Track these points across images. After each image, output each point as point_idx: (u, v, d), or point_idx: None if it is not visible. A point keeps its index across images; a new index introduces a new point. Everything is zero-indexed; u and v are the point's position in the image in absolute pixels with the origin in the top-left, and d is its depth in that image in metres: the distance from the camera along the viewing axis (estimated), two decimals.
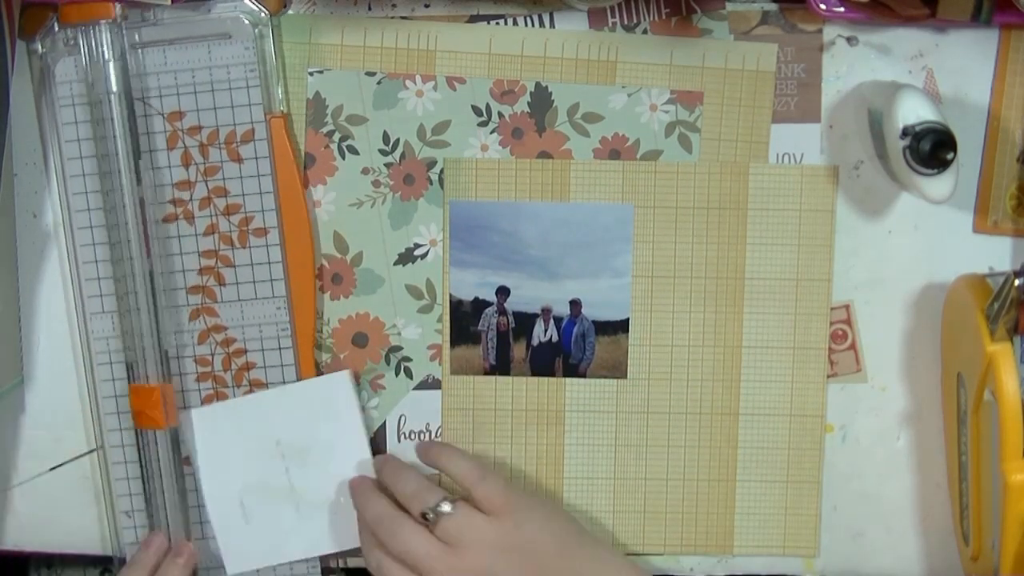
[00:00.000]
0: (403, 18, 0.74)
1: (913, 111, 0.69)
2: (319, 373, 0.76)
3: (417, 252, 0.76)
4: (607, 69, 0.75)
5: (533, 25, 0.74)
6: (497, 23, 0.74)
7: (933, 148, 0.68)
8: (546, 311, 0.75)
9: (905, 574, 0.77)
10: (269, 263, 0.74)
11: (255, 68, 0.73)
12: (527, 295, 0.75)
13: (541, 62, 0.75)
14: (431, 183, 0.75)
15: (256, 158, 0.74)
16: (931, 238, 0.76)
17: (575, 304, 0.75)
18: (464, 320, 0.76)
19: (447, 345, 0.76)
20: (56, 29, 0.73)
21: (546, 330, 0.75)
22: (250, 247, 0.74)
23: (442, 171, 0.75)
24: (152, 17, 0.73)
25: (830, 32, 0.74)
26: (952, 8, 0.69)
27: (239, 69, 0.73)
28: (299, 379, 0.75)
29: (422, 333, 0.76)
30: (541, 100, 0.75)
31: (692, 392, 0.76)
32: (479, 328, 0.75)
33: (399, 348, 0.76)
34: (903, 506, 0.77)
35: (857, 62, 0.75)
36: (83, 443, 0.78)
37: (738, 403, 0.76)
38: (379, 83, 0.75)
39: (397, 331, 0.76)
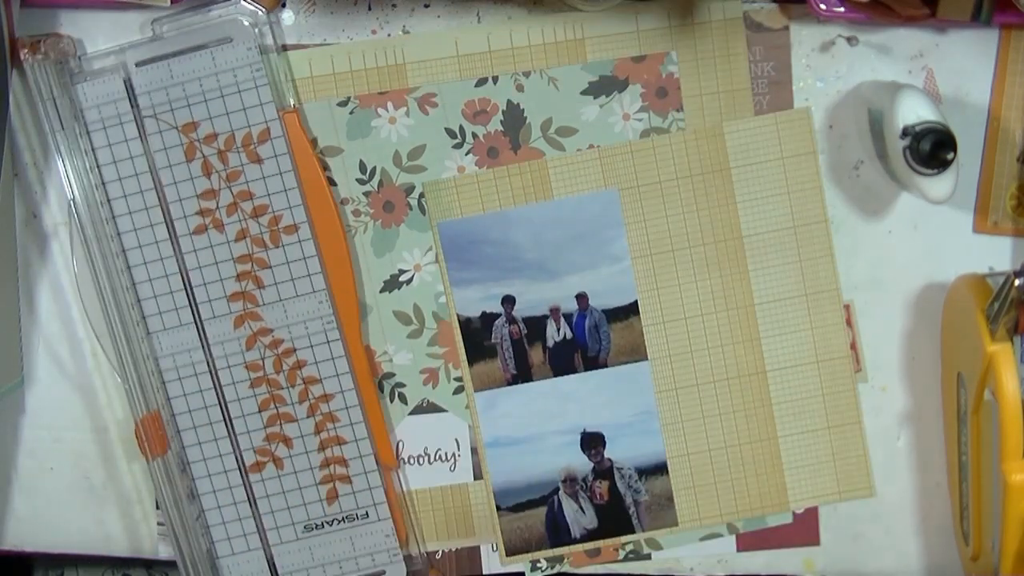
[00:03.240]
0: (372, 32, 0.74)
1: (913, 111, 0.69)
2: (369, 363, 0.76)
3: (402, 278, 0.76)
4: (576, 48, 0.75)
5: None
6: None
7: (933, 148, 0.68)
8: (555, 311, 0.75)
9: (905, 574, 0.77)
10: (304, 258, 0.74)
11: (261, 67, 0.73)
12: (533, 299, 0.75)
13: (510, 53, 0.75)
14: (411, 208, 0.75)
15: (275, 156, 0.74)
16: (931, 238, 0.76)
17: (582, 298, 0.75)
18: (476, 336, 0.76)
19: (465, 366, 0.76)
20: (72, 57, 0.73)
21: (559, 329, 0.75)
22: (283, 245, 0.74)
23: (422, 195, 0.75)
24: (152, 33, 0.73)
25: (830, 32, 0.75)
26: (952, 8, 0.69)
27: (245, 71, 0.73)
28: (351, 370, 0.75)
29: (413, 358, 0.76)
30: (514, 117, 0.75)
31: (715, 359, 0.76)
32: (492, 341, 0.76)
33: (392, 375, 0.76)
34: (903, 506, 0.77)
35: (857, 62, 0.75)
36: (83, 443, 0.78)
37: (763, 361, 0.75)
38: (351, 113, 0.75)
39: (388, 358, 0.76)
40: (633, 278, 0.75)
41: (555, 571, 0.77)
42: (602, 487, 0.76)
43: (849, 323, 0.76)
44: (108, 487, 0.78)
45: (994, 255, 0.75)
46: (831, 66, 0.75)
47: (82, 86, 0.73)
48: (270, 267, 0.74)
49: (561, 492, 0.76)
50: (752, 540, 0.77)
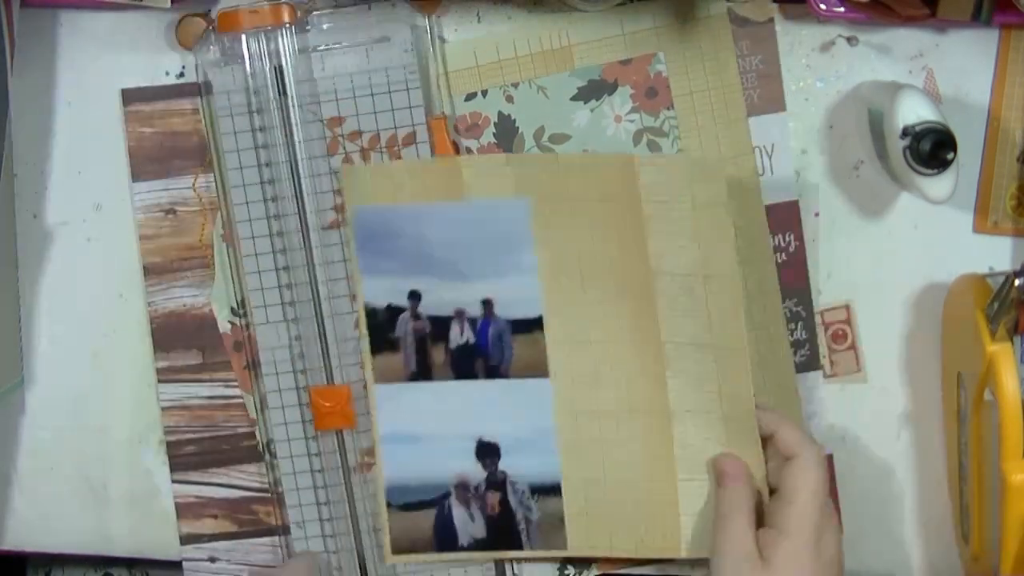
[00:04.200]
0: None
1: (913, 111, 0.69)
2: None
3: None
4: (564, 55, 0.75)
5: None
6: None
7: (933, 148, 0.68)
8: (460, 313, 0.74)
9: (905, 574, 0.77)
10: None
11: (415, 70, 0.73)
12: (440, 298, 0.74)
13: (498, 67, 0.75)
14: None
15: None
16: (931, 238, 0.76)
17: (487, 304, 0.74)
18: (381, 328, 0.75)
19: (367, 354, 0.75)
20: (212, 39, 0.73)
21: (462, 332, 0.74)
22: None
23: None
24: (309, 24, 0.73)
25: (830, 32, 0.75)
26: (952, 8, 0.69)
27: (398, 72, 0.73)
28: None
29: None
30: (506, 128, 0.75)
31: (619, 392, 0.73)
32: (397, 335, 0.75)
33: None
34: (903, 506, 0.77)
35: (857, 62, 0.75)
36: (83, 443, 0.78)
37: (667, 401, 0.72)
38: None
39: None
40: (540, 292, 0.74)
41: None
42: (494, 498, 0.75)
43: (849, 323, 0.76)
44: (108, 487, 0.78)
45: (994, 255, 0.75)
46: (831, 66, 0.75)
47: (231, 68, 0.73)
48: None
49: (453, 497, 0.75)
50: None
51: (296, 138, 0.73)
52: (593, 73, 0.75)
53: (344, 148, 0.73)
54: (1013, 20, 0.70)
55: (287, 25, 0.72)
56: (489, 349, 0.74)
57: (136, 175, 0.76)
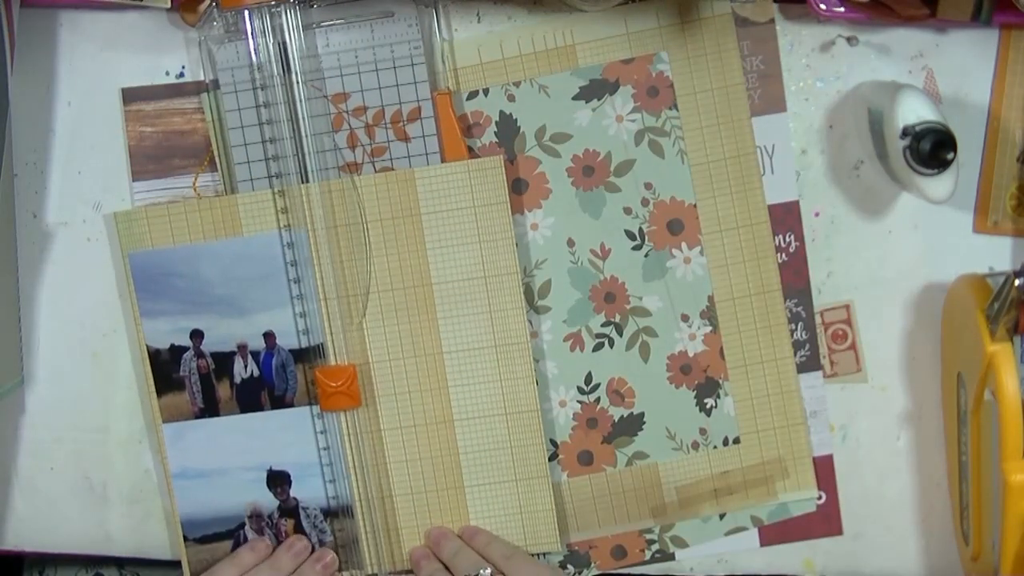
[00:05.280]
0: None
1: (913, 111, 0.69)
2: None
3: None
4: (567, 54, 0.75)
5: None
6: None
7: (933, 148, 0.68)
8: (242, 347, 0.75)
9: (905, 574, 0.77)
10: None
11: (419, 45, 0.72)
12: (222, 334, 0.75)
13: (501, 65, 0.75)
14: None
15: (423, 136, 0.73)
16: (931, 238, 0.76)
17: (269, 336, 0.75)
18: (165, 368, 0.75)
19: (153, 397, 0.75)
20: (216, 15, 0.73)
21: (246, 366, 0.75)
22: None
23: None
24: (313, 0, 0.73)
25: (830, 32, 0.75)
26: (952, 8, 0.69)
27: (403, 47, 0.73)
28: None
29: None
30: (507, 127, 0.75)
31: (403, 406, 0.75)
32: (181, 374, 0.75)
33: None
34: (903, 506, 0.77)
35: (857, 62, 0.75)
36: (83, 443, 0.78)
37: (451, 410, 0.75)
38: None
39: None
40: (321, 319, 0.74)
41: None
42: (287, 525, 0.76)
43: (849, 323, 0.76)
44: (108, 487, 0.78)
45: (994, 255, 0.75)
46: (831, 66, 0.75)
47: (235, 44, 0.73)
48: None
49: (247, 527, 0.76)
50: (775, 533, 0.77)
51: (300, 114, 0.73)
52: (594, 72, 0.75)
53: (349, 124, 0.74)
54: (1013, 20, 0.70)
55: (290, 0, 0.72)
56: (274, 380, 0.75)
57: (136, 174, 0.76)
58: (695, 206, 0.75)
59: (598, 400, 0.77)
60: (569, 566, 0.77)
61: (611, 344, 0.76)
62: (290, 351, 0.74)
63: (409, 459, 0.75)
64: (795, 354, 0.76)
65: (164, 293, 0.74)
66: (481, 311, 0.74)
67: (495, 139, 0.75)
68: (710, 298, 0.76)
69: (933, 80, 0.75)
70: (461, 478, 0.75)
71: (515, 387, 0.75)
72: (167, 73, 0.75)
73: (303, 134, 0.73)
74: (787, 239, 0.76)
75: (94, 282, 0.77)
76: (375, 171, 0.74)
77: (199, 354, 0.75)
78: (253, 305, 0.74)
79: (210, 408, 0.75)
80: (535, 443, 0.75)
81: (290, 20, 0.72)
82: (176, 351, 0.75)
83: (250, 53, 0.73)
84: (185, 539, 0.76)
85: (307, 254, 0.73)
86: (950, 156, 0.68)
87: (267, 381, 0.75)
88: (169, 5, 0.72)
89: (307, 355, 0.74)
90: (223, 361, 0.75)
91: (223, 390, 0.75)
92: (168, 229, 0.74)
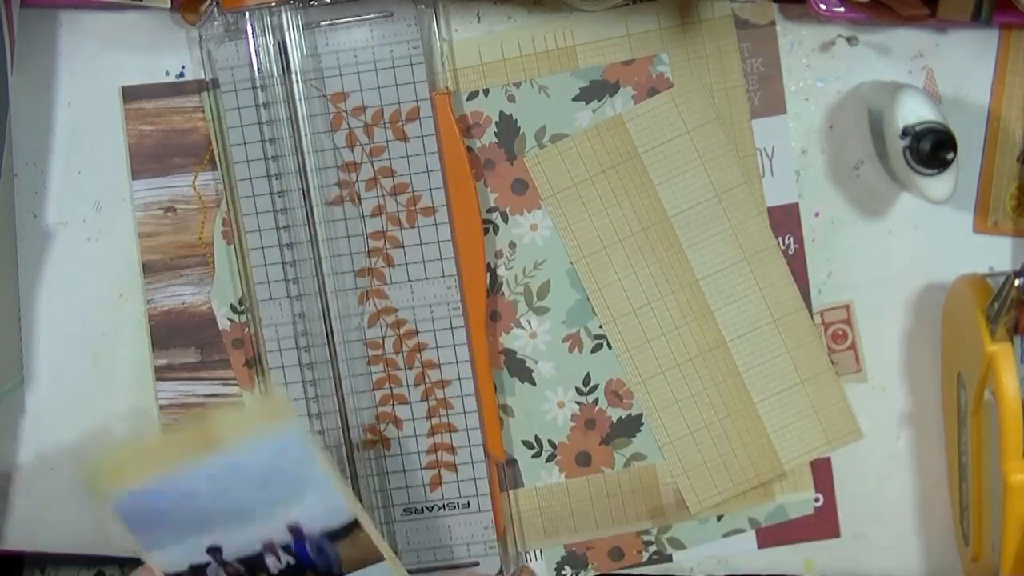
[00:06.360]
0: None
1: (913, 111, 0.69)
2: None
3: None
4: (567, 55, 0.75)
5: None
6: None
7: (933, 148, 0.68)
8: (269, 544, 0.67)
9: (905, 574, 0.77)
10: (438, 242, 0.74)
11: (418, 45, 0.72)
12: (242, 540, 0.66)
13: (501, 65, 0.75)
14: None
15: (422, 136, 0.73)
16: (931, 238, 0.76)
17: (295, 530, 0.67)
18: None
19: None
20: (216, 15, 0.73)
21: (280, 559, 0.67)
22: (419, 227, 0.74)
23: None
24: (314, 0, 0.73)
25: (830, 32, 0.75)
26: (952, 8, 0.69)
27: (402, 47, 0.72)
28: (471, 358, 0.74)
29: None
30: (507, 128, 0.75)
31: (673, 342, 0.75)
32: None
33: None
34: (903, 506, 0.77)
35: (857, 62, 0.75)
36: (83, 443, 0.78)
37: (721, 333, 0.75)
38: None
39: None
40: (341, 499, 0.66)
41: None
42: None
43: (849, 323, 0.76)
44: None
45: (994, 255, 0.75)
46: (831, 66, 0.75)
47: (235, 43, 0.73)
48: (402, 247, 0.74)
49: None
50: (773, 535, 0.77)
51: (300, 114, 0.73)
52: (595, 73, 0.75)
53: (348, 123, 0.73)
54: (1013, 20, 0.70)
55: (291, 1, 0.72)
56: (315, 561, 0.68)
57: (136, 173, 0.76)
58: None
59: (596, 401, 0.77)
60: (566, 568, 0.77)
61: (609, 345, 0.76)
62: (323, 534, 0.67)
63: (695, 393, 0.75)
64: None
65: (164, 526, 0.66)
66: (724, 229, 0.75)
67: (495, 139, 0.75)
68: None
69: (933, 80, 0.75)
70: (750, 395, 0.75)
71: (775, 292, 0.75)
72: (167, 73, 0.76)
73: (302, 133, 0.73)
74: (787, 241, 0.76)
75: (94, 282, 0.77)
76: (373, 171, 0.74)
77: (223, 563, 0.67)
78: (264, 507, 0.66)
79: None
80: (811, 341, 0.75)
81: (290, 20, 0.72)
82: (198, 569, 0.67)
83: (250, 53, 0.73)
84: None
85: (306, 444, 0.66)
86: (950, 156, 0.68)
87: (308, 564, 0.68)
88: (169, 5, 0.72)
89: (340, 532, 0.68)
90: (253, 561, 0.67)
91: None
92: (141, 462, 0.65)
